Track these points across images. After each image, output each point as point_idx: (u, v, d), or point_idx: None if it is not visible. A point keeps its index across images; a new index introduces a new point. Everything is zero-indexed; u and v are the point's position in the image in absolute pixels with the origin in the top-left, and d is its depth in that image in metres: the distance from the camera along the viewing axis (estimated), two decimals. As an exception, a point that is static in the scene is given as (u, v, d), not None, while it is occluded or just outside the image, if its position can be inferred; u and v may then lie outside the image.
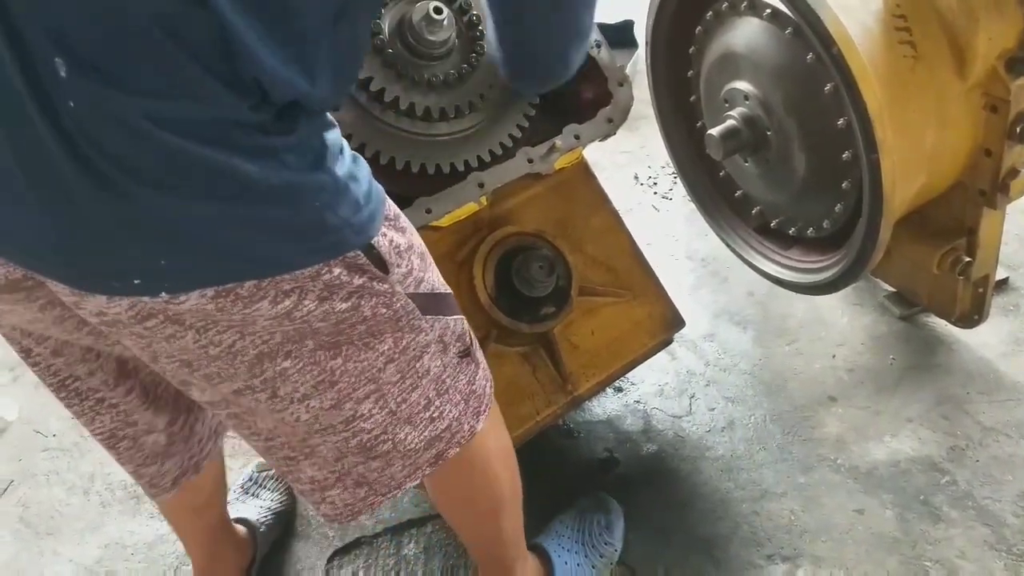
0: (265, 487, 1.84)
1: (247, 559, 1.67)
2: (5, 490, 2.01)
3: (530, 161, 1.43)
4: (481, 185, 1.39)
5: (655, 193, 2.69)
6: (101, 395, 1.17)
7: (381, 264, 0.94)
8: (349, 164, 0.90)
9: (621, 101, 1.50)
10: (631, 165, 2.81)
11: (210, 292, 0.83)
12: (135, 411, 1.21)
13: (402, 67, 1.35)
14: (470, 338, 1.16)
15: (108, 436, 1.20)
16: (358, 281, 0.91)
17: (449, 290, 1.12)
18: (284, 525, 1.79)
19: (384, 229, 0.95)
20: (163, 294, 0.82)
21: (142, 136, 0.73)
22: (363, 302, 0.94)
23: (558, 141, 1.45)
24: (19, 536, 1.88)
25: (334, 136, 0.90)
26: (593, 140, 1.50)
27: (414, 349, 1.03)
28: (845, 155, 1.50)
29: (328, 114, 0.91)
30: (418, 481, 1.13)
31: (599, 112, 1.49)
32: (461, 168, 1.41)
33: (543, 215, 1.70)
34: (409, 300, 0.99)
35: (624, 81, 1.52)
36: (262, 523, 1.73)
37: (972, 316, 1.87)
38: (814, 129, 1.55)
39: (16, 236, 0.82)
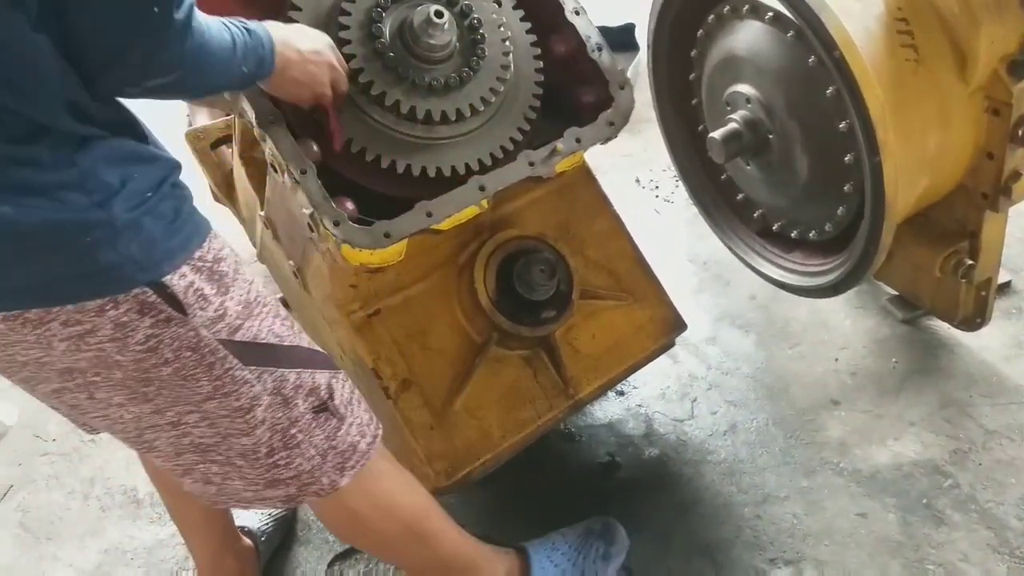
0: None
1: (252, 567, 1.66)
2: (5, 495, 2.00)
3: (531, 164, 1.42)
4: (482, 188, 1.39)
5: (656, 196, 2.69)
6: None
7: (176, 304, 0.94)
8: (155, 201, 0.92)
9: (622, 104, 1.50)
10: (632, 168, 2.80)
11: None
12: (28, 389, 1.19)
13: (403, 70, 1.34)
14: (329, 393, 1.14)
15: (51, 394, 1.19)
16: (149, 321, 0.93)
17: (295, 343, 1.11)
18: (285, 531, 1.79)
19: (185, 270, 0.95)
20: None
21: None
22: (162, 345, 0.95)
23: (559, 144, 1.44)
24: (19, 541, 1.87)
25: (141, 171, 0.92)
26: (594, 143, 1.49)
27: (238, 398, 1.03)
28: (847, 158, 1.50)
29: (134, 148, 0.92)
30: (273, 509, 1.14)
31: (600, 115, 1.49)
32: (462, 171, 1.41)
33: (544, 218, 1.69)
34: (220, 346, 0.99)
35: (625, 84, 1.51)
36: (263, 531, 1.72)
37: (975, 319, 1.87)
38: (816, 132, 1.55)
39: None
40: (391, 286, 1.55)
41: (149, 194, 0.92)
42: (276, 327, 1.09)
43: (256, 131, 1.29)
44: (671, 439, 1.90)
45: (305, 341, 1.14)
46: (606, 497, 1.79)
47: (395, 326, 1.56)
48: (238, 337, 1.01)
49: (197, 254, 0.97)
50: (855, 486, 1.76)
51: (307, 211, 1.28)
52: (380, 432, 1.23)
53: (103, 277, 0.89)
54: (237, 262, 1.05)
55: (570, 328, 1.65)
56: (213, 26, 0.98)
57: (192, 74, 0.95)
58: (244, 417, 1.04)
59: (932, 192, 1.64)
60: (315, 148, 1.31)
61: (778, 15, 1.52)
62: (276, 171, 1.32)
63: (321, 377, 1.13)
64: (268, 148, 1.28)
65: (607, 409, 1.98)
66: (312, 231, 1.34)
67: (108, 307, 0.90)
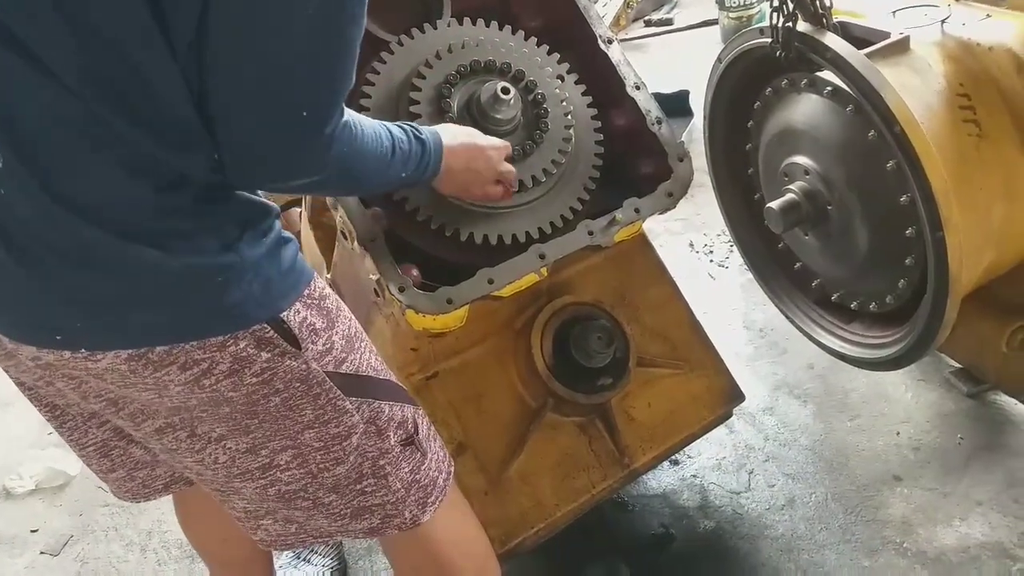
0: (316, 551, 1.85)
1: None
2: (65, 545, 2.05)
3: (591, 234, 1.45)
4: (542, 256, 1.41)
5: (711, 261, 2.68)
6: (81, 421, 1.19)
7: (291, 339, 1.00)
8: (270, 244, 0.99)
9: (681, 176, 1.52)
10: (686, 232, 2.81)
11: (124, 354, 0.93)
12: (113, 438, 1.22)
13: (469, 143, 1.39)
14: (415, 427, 1.18)
15: (101, 445, 1.22)
16: (266, 355, 0.98)
17: (387, 377, 1.16)
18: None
19: (298, 307, 1.01)
20: (83, 350, 0.93)
21: (54, 219, 0.87)
22: (275, 377, 1.00)
23: (618, 215, 1.47)
24: (77, 592, 1.91)
25: (260, 218, 0.99)
26: (653, 214, 1.51)
27: (337, 426, 1.07)
28: (909, 231, 1.49)
29: (254, 199, 0.99)
30: (355, 539, 1.16)
31: (659, 186, 1.51)
32: (523, 239, 1.44)
33: (601, 285, 1.71)
34: (327, 378, 1.04)
35: (684, 156, 1.53)
36: None
37: (1044, 396, 1.81)
38: (876, 205, 1.54)
39: None
40: (449, 350, 1.58)
41: (265, 239, 0.99)
42: (373, 361, 1.14)
43: (328, 200, 1.34)
44: (727, 512, 1.86)
45: (393, 376, 1.19)
46: (659, 570, 1.75)
47: (452, 389, 1.58)
48: (343, 369, 1.06)
49: (306, 291, 1.03)
50: (920, 568, 1.70)
51: (374, 277, 1.32)
52: (453, 469, 1.26)
53: (229, 314, 0.95)
54: (337, 300, 1.10)
55: (626, 396, 1.65)
56: (369, 132, 1.03)
57: (338, 177, 1.01)
58: (340, 444, 1.08)
59: (997, 265, 1.61)
60: (383, 216, 1.36)
61: (837, 89, 1.54)
62: (346, 238, 1.37)
63: (408, 411, 1.18)
64: (340, 216, 1.33)
65: (661, 479, 1.96)
66: (377, 296, 1.37)
67: (229, 343, 0.95)
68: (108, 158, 0.86)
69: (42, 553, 2.03)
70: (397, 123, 1.13)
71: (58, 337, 0.93)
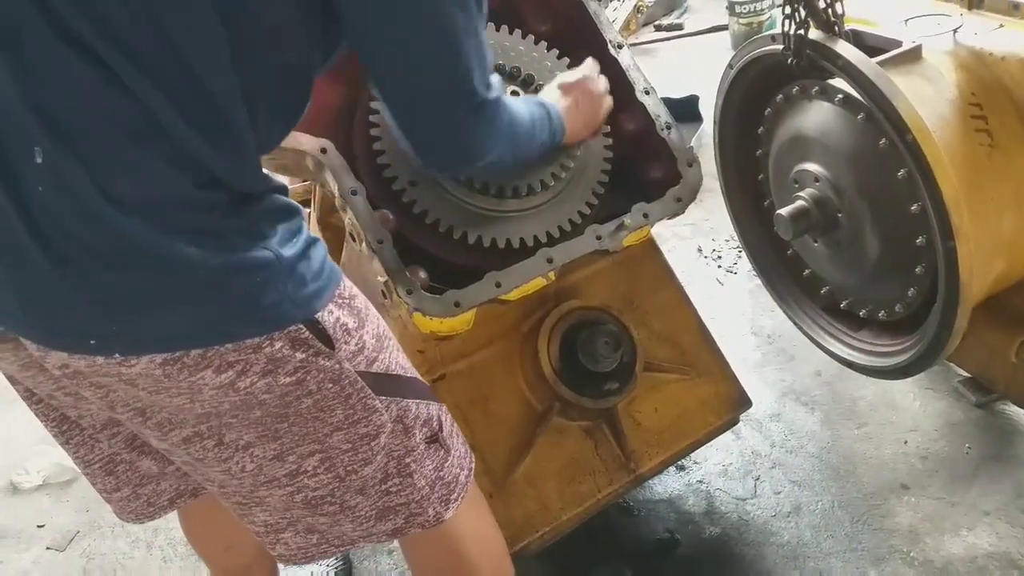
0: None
1: None
2: (71, 541, 2.06)
3: (599, 238, 1.45)
4: (550, 260, 1.41)
5: (719, 267, 2.68)
6: (91, 433, 1.20)
7: (326, 339, 0.99)
8: (301, 245, 0.98)
9: (690, 181, 1.52)
10: (695, 237, 2.81)
11: (159, 358, 0.91)
12: (123, 450, 1.23)
13: (478, 146, 1.39)
14: (439, 424, 1.17)
15: (107, 461, 1.21)
16: (300, 356, 0.97)
17: (413, 375, 1.16)
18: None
19: (331, 307, 1.00)
20: (116, 355, 0.91)
21: (96, 217, 0.84)
22: (309, 376, 0.98)
23: (627, 219, 1.46)
24: (83, 588, 1.92)
25: (290, 220, 0.99)
26: (662, 219, 1.51)
27: (366, 425, 1.06)
28: (919, 240, 1.48)
29: (284, 200, 1.00)
30: (376, 543, 1.16)
31: (668, 191, 1.51)
32: (531, 243, 1.44)
33: (609, 290, 1.71)
34: (359, 378, 1.03)
35: (693, 162, 1.53)
36: None
37: (1054, 407, 1.80)
38: (886, 213, 1.54)
39: None
40: (456, 352, 1.58)
41: (297, 238, 0.98)
42: (401, 359, 1.14)
43: (337, 201, 1.34)
44: (733, 518, 1.86)
45: (419, 374, 1.19)
46: (663, 575, 1.75)
47: (459, 392, 1.58)
48: (374, 369, 1.06)
49: (337, 291, 1.02)
50: (926, 577, 1.69)
51: (382, 279, 1.32)
52: (474, 465, 1.26)
53: (266, 315, 0.94)
54: (365, 299, 1.10)
55: (632, 401, 1.65)
56: (509, 101, 1.15)
57: (509, 147, 1.16)
58: (369, 444, 1.07)
59: (1008, 275, 1.60)
60: (391, 218, 1.36)
61: (848, 97, 1.53)
62: (354, 239, 1.37)
63: (433, 408, 1.17)
64: (348, 217, 1.34)
65: (667, 484, 1.96)
66: (385, 297, 1.37)
67: (265, 344, 0.94)
68: (152, 153, 0.85)
69: (48, 548, 2.04)
70: (524, 99, 1.25)
71: (92, 342, 0.91)
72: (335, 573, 1.80)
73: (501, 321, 1.61)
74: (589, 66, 1.49)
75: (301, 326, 0.96)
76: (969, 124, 1.45)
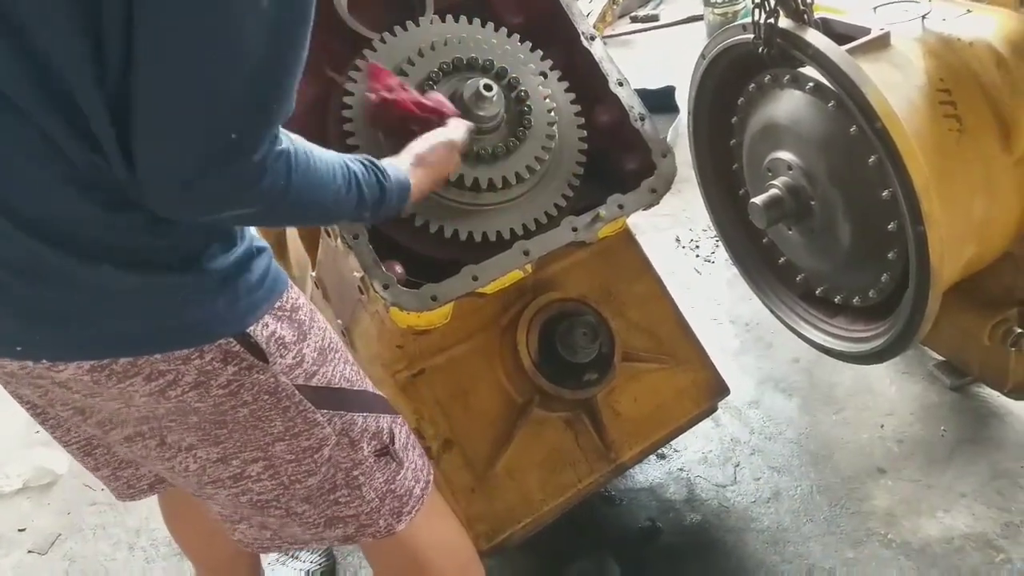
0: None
1: None
2: (53, 544, 2.04)
3: (574, 230, 1.45)
4: (526, 253, 1.42)
5: (697, 256, 2.70)
6: (65, 418, 1.18)
7: (258, 352, 0.98)
8: (237, 258, 0.96)
9: (665, 172, 1.52)
10: (672, 228, 2.82)
11: (86, 365, 0.92)
12: (96, 435, 1.21)
13: (452, 140, 1.39)
14: (391, 437, 1.17)
15: (84, 444, 1.21)
16: (232, 368, 0.96)
17: (362, 387, 1.15)
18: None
19: (268, 320, 0.99)
20: (44, 360, 0.92)
21: (6, 237, 0.85)
22: (243, 389, 0.98)
23: (602, 211, 1.47)
24: (65, 591, 1.91)
25: (225, 233, 0.96)
26: (637, 210, 1.51)
27: (308, 438, 1.06)
28: (890, 226, 1.50)
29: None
30: (330, 545, 1.16)
31: (643, 182, 1.51)
32: (507, 236, 1.44)
33: (586, 281, 1.71)
34: (296, 391, 1.03)
35: (667, 152, 1.54)
36: None
37: (1026, 388, 1.83)
38: (858, 200, 1.56)
39: None
40: (435, 347, 1.58)
41: (234, 251, 0.97)
42: (347, 372, 1.13)
43: (311, 197, 1.33)
44: (713, 505, 1.87)
45: (370, 386, 1.18)
46: (646, 563, 1.77)
47: (438, 386, 1.58)
48: (314, 383, 1.05)
49: (278, 304, 1.01)
50: (904, 559, 1.71)
51: (358, 274, 1.32)
52: (432, 477, 1.26)
53: (191, 331, 0.94)
54: (312, 310, 1.09)
55: (612, 391, 1.65)
56: (320, 166, 0.93)
57: (278, 211, 0.92)
58: (312, 456, 1.07)
59: (979, 259, 1.63)
60: (366, 214, 1.35)
61: (819, 85, 1.54)
62: (329, 235, 1.37)
63: (384, 421, 1.17)
64: (322, 214, 1.33)
65: (648, 472, 1.97)
66: (362, 293, 1.37)
67: (194, 356, 0.94)
68: (56, 175, 0.84)
69: (30, 552, 2.03)
70: (361, 160, 1.03)
71: (18, 348, 0.92)
72: (318, 570, 1.80)
73: (479, 314, 1.61)
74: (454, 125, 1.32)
75: (232, 339, 0.96)
76: (938, 110, 1.47)
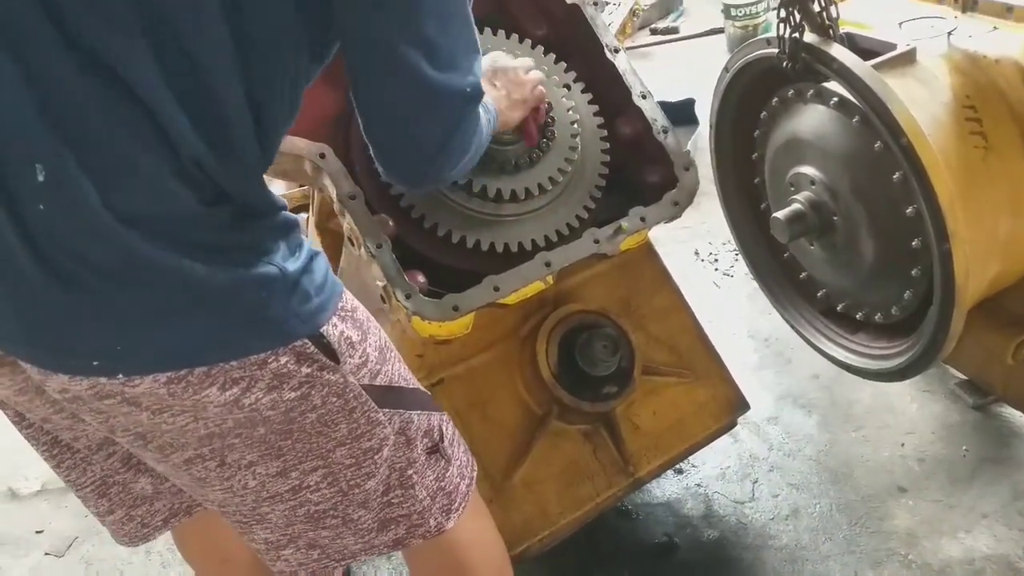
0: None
1: None
2: (69, 546, 2.05)
3: (596, 242, 1.45)
4: (548, 264, 1.42)
5: (716, 270, 2.69)
6: (85, 455, 1.19)
7: (331, 353, 0.99)
8: (304, 259, 0.98)
9: (687, 185, 1.53)
10: (692, 241, 2.82)
11: (163, 377, 0.90)
12: (118, 471, 1.22)
13: (476, 151, 1.40)
14: (440, 435, 1.17)
15: (99, 483, 1.20)
16: (306, 370, 0.97)
17: (415, 386, 1.16)
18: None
19: (335, 320, 1.00)
20: (120, 376, 0.90)
21: (102, 233, 0.83)
22: (313, 391, 0.98)
23: (624, 223, 1.47)
24: (81, 594, 1.92)
25: (291, 235, 0.99)
26: (659, 223, 1.52)
27: (370, 439, 1.06)
28: (915, 243, 1.49)
29: (286, 216, 1.00)
30: (379, 555, 1.16)
31: (665, 195, 1.52)
32: (529, 247, 1.45)
33: (606, 293, 1.71)
34: (363, 391, 1.03)
35: (690, 165, 1.54)
36: None
37: (1050, 409, 1.80)
38: (882, 216, 1.54)
39: None
40: (455, 356, 1.58)
41: (300, 252, 0.98)
42: (402, 371, 1.14)
43: (336, 206, 1.35)
44: (731, 521, 1.86)
45: (420, 385, 1.19)
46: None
47: (457, 396, 1.58)
48: (377, 381, 1.06)
49: (340, 304, 1.02)
50: (924, 580, 1.69)
51: (380, 283, 1.33)
52: (475, 473, 1.26)
53: (271, 330, 0.94)
54: (366, 311, 1.10)
55: (631, 404, 1.65)
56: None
57: (478, 153, 1.13)
58: (372, 458, 1.07)
59: (1004, 278, 1.61)
60: (390, 224, 1.36)
61: (843, 100, 1.54)
62: (352, 244, 1.38)
63: (435, 419, 1.17)
64: (347, 222, 1.34)
65: (665, 487, 1.96)
66: (384, 302, 1.38)
67: (270, 359, 0.94)
68: (160, 165, 0.85)
69: (47, 554, 2.04)
70: None
71: (95, 363, 0.89)
72: (334, 578, 1.79)
73: (500, 325, 1.62)
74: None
75: (306, 340, 0.96)
76: (964, 127, 1.46)
